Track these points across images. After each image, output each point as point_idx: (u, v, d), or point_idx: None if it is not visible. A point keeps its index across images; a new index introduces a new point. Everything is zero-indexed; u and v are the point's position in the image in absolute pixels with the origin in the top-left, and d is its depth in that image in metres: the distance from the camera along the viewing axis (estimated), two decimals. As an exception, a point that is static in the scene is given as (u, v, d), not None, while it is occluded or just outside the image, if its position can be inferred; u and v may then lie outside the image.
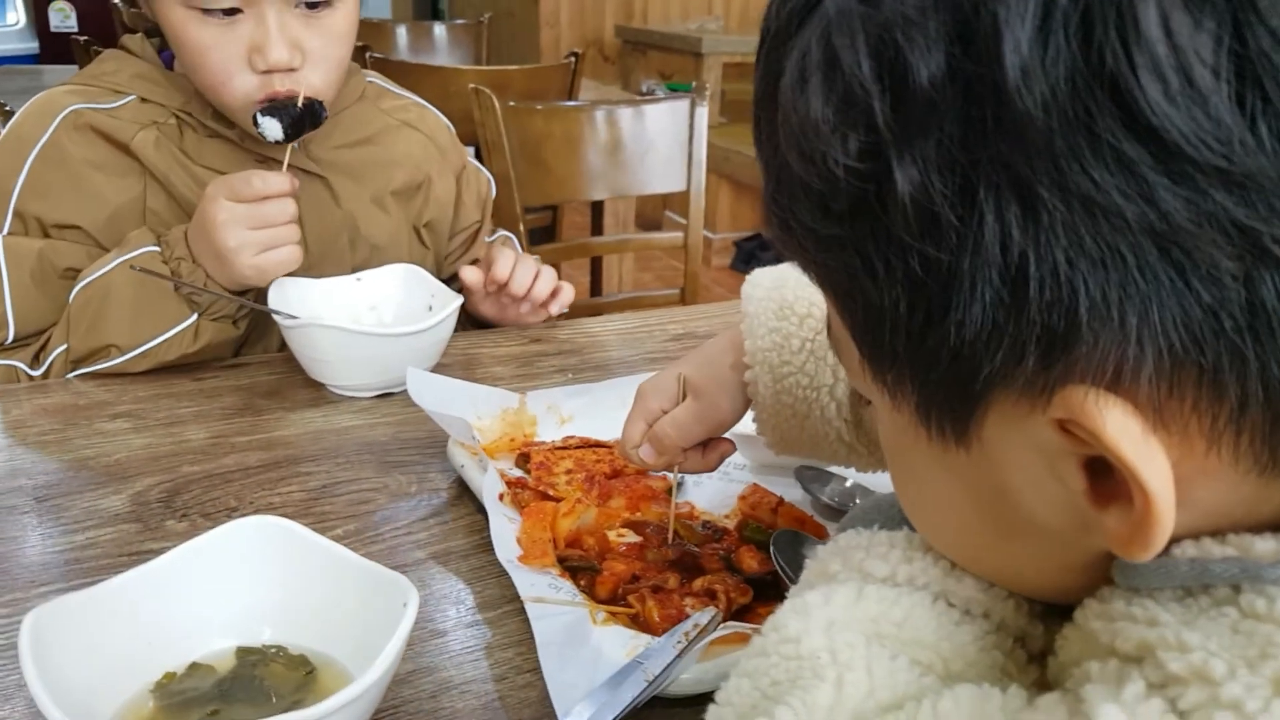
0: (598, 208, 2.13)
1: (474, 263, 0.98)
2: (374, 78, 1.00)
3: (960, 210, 0.25)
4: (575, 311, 1.75)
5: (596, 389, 0.78)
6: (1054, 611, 0.34)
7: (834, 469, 0.69)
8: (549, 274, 0.91)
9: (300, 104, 0.79)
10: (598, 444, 0.70)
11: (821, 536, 0.62)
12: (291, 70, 0.79)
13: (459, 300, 0.81)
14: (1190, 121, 0.22)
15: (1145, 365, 0.24)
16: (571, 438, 0.70)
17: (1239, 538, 0.27)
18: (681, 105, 1.61)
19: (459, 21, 2.96)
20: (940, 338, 0.26)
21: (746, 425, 0.71)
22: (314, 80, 0.81)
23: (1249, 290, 0.23)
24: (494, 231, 1.09)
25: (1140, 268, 0.23)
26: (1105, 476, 0.26)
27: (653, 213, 3.60)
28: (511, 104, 1.43)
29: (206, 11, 0.78)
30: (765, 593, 0.55)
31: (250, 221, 0.76)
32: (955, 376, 0.27)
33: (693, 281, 1.71)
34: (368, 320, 0.86)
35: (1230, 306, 0.23)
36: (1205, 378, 0.24)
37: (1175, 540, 0.27)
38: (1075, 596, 0.30)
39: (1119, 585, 0.28)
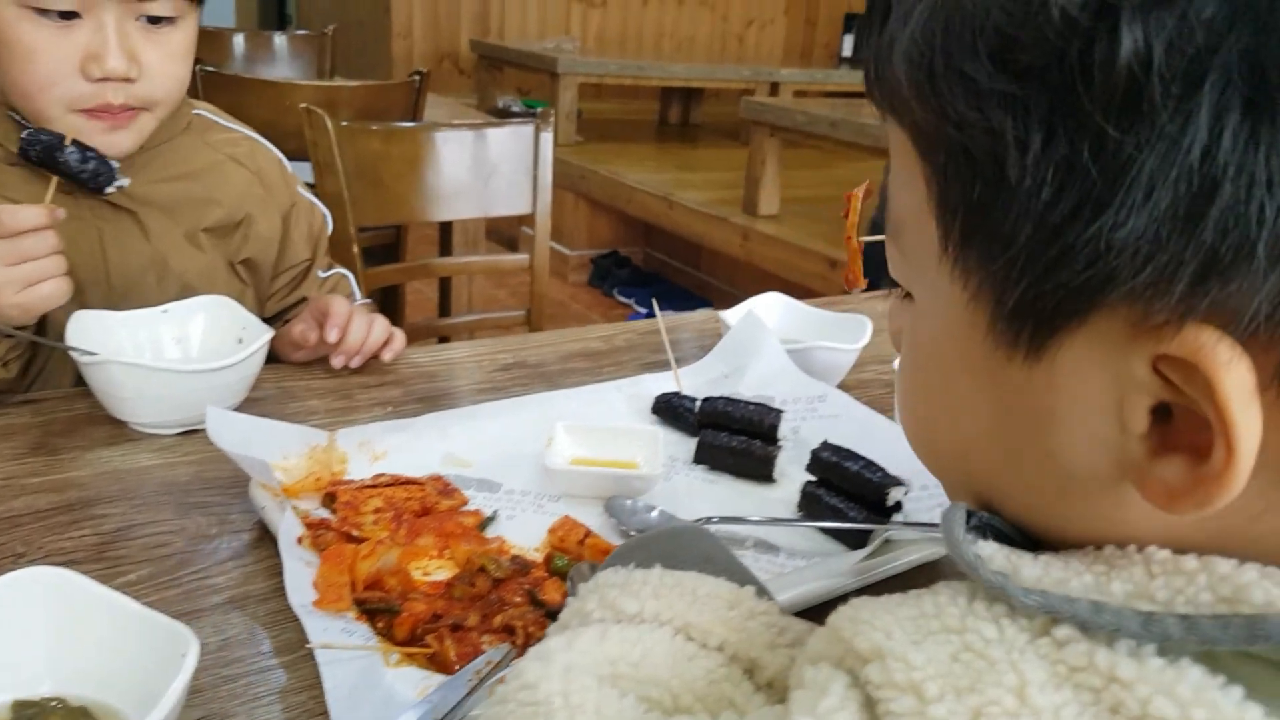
0: (446, 225, 2.11)
1: (301, 301, 0.96)
2: (203, 110, 0.98)
3: (1174, 98, 0.22)
4: (421, 333, 1.75)
5: (415, 423, 0.78)
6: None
7: (641, 501, 0.72)
8: (381, 326, 0.91)
9: (95, 156, 0.77)
10: (409, 481, 0.70)
11: (623, 567, 0.65)
12: (128, 81, 0.77)
13: (269, 333, 0.80)
14: None
15: None
16: (382, 475, 0.71)
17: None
18: (526, 129, 1.62)
19: (301, 32, 2.87)
20: (1083, 237, 0.24)
21: (555, 459, 0.74)
22: (147, 95, 0.79)
23: None
24: (330, 267, 1.07)
25: None
26: (1164, 425, 0.25)
27: (510, 228, 3.60)
28: (345, 124, 1.41)
29: (42, 12, 0.75)
30: (562, 626, 0.58)
31: (8, 258, 0.72)
32: (1077, 283, 0.24)
33: (539, 303, 1.72)
34: (173, 354, 0.83)
35: None
36: None
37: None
38: (1040, 530, 0.31)
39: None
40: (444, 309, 2.17)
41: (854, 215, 0.79)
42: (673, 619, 0.37)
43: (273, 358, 0.91)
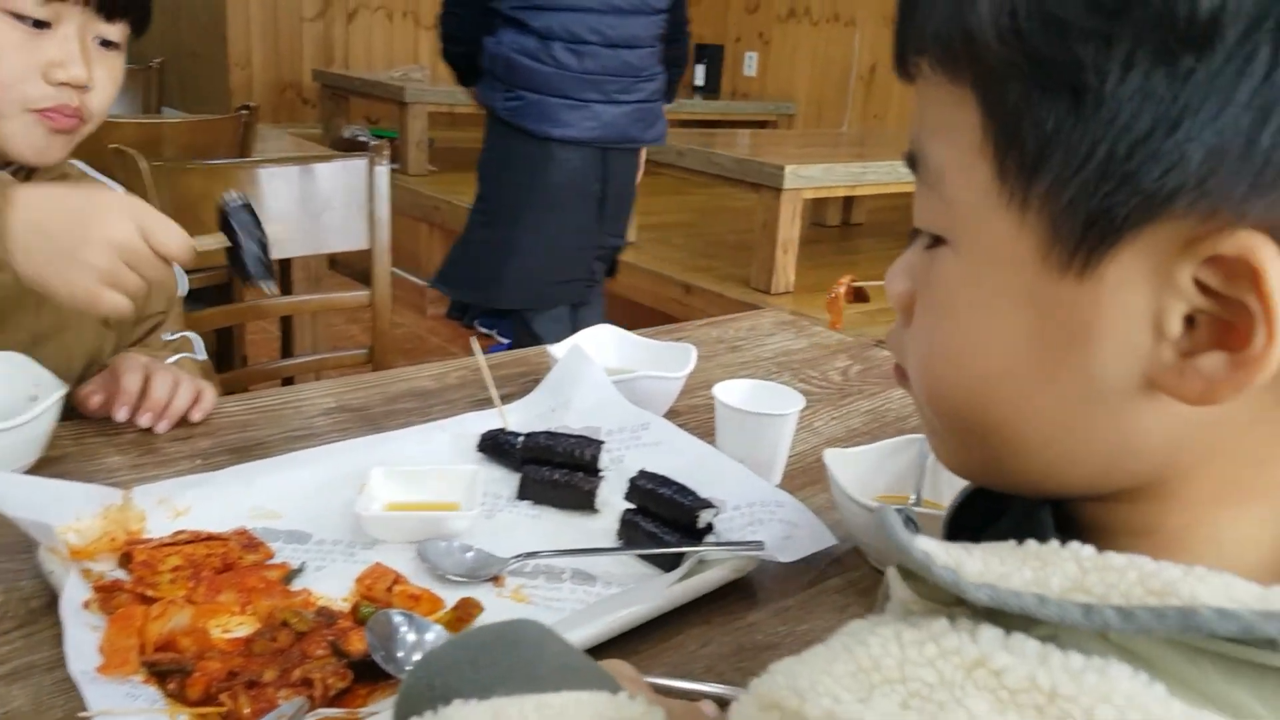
0: (285, 263, 2.05)
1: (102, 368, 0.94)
2: (77, 163, 0.98)
3: (1241, 35, 0.26)
4: (261, 377, 1.69)
5: (219, 476, 0.76)
6: None
7: (457, 542, 0.72)
8: (187, 388, 0.89)
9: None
10: (211, 536, 0.68)
11: (437, 610, 0.65)
12: (84, 89, 0.83)
13: (62, 389, 0.76)
14: None
15: None
16: (183, 532, 0.69)
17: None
18: (359, 163, 1.60)
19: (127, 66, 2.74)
20: (1161, 149, 0.27)
21: (367, 505, 0.73)
22: (94, 107, 0.86)
23: None
24: (176, 332, 1.07)
25: None
26: (1190, 331, 0.29)
27: (362, 261, 3.52)
28: (159, 164, 1.36)
29: (18, 16, 0.80)
30: (367, 674, 0.57)
31: (139, 260, 0.75)
32: (1151, 189, 0.28)
33: (382, 340, 1.70)
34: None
35: None
36: None
37: None
38: (1042, 469, 0.33)
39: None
40: (287, 349, 2.11)
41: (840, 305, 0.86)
42: None
43: (78, 414, 0.87)
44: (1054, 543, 0.30)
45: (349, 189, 1.59)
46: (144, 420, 0.86)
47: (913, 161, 0.35)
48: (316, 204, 1.56)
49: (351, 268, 3.54)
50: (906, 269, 0.38)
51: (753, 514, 0.78)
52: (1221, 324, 0.29)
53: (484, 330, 3.75)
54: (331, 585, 0.67)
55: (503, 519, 0.79)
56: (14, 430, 0.72)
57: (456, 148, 4.88)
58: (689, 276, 2.94)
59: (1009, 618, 0.28)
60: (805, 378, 1.19)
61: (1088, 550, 0.29)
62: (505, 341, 3.57)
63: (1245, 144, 0.27)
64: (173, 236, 0.77)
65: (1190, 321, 0.29)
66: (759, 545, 0.73)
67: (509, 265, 2.18)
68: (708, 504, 0.75)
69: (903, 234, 3.80)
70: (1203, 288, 0.29)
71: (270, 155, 2.10)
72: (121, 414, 0.85)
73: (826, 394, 1.14)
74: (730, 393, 0.90)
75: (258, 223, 0.85)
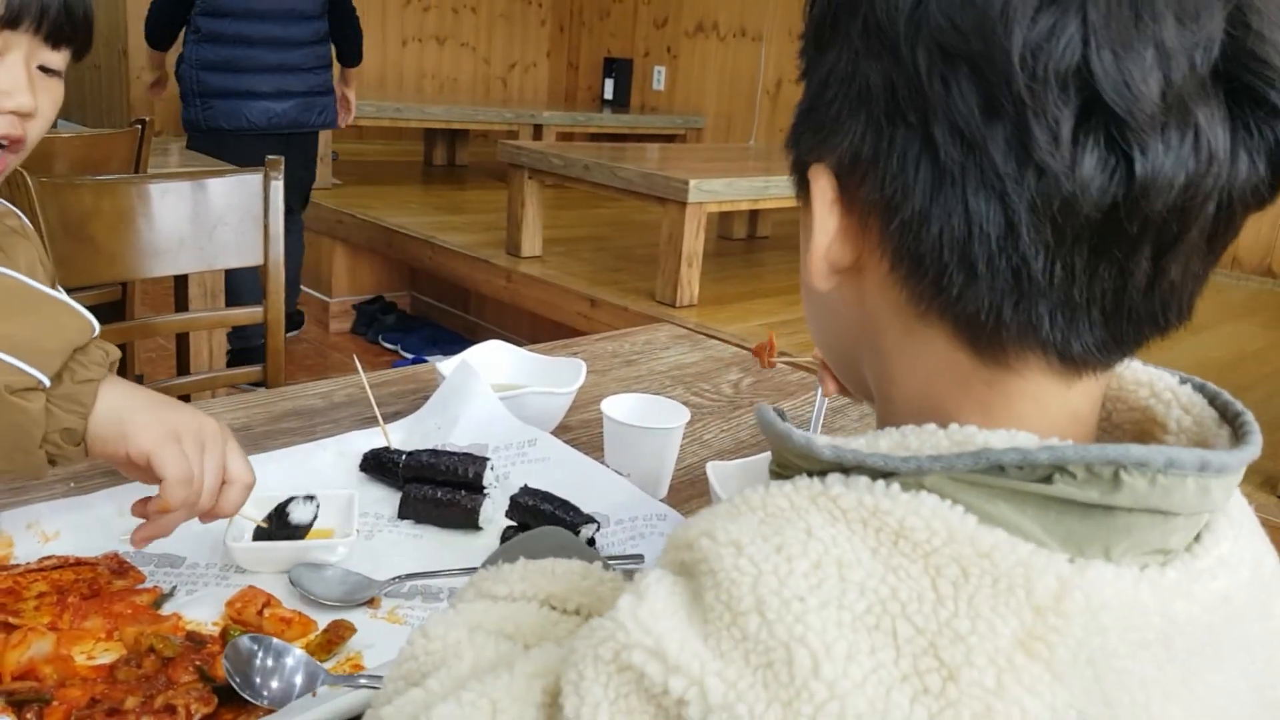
0: (182, 279, 2.00)
1: None
2: None
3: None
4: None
5: (92, 499, 0.75)
6: None
7: (330, 567, 0.72)
8: None
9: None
10: (80, 562, 0.68)
11: (308, 633, 0.66)
12: (29, 117, 0.81)
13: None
14: None
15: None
16: (50, 557, 0.68)
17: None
18: (253, 178, 1.58)
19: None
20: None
21: (238, 536, 0.73)
22: (33, 135, 0.83)
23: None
24: None
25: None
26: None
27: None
28: (46, 179, 1.32)
29: None
30: (234, 698, 0.58)
31: (186, 491, 0.67)
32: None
33: (275, 358, 1.67)
34: None
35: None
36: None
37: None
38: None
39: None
40: (183, 367, 2.05)
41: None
42: (536, 594, 0.47)
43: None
44: (907, 425, 0.37)
45: (243, 204, 1.56)
46: None
47: None
48: (209, 220, 1.53)
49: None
50: None
51: (635, 528, 0.81)
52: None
53: (388, 345, 3.71)
54: (202, 610, 0.67)
55: (382, 539, 0.80)
56: None
57: (361, 160, 4.82)
58: (595, 290, 2.97)
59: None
60: (697, 390, 1.23)
61: (919, 426, 0.36)
62: (409, 357, 3.54)
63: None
64: (248, 473, 0.71)
65: None
66: (639, 559, 0.75)
67: None
68: (590, 519, 0.77)
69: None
70: None
71: (164, 170, 2.05)
72: None
73: (717, 406, 1.18)
74: (617, 407, 0.93)
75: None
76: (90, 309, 1.07)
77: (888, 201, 0.36)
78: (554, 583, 0.47)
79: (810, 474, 0.36)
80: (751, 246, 3.93)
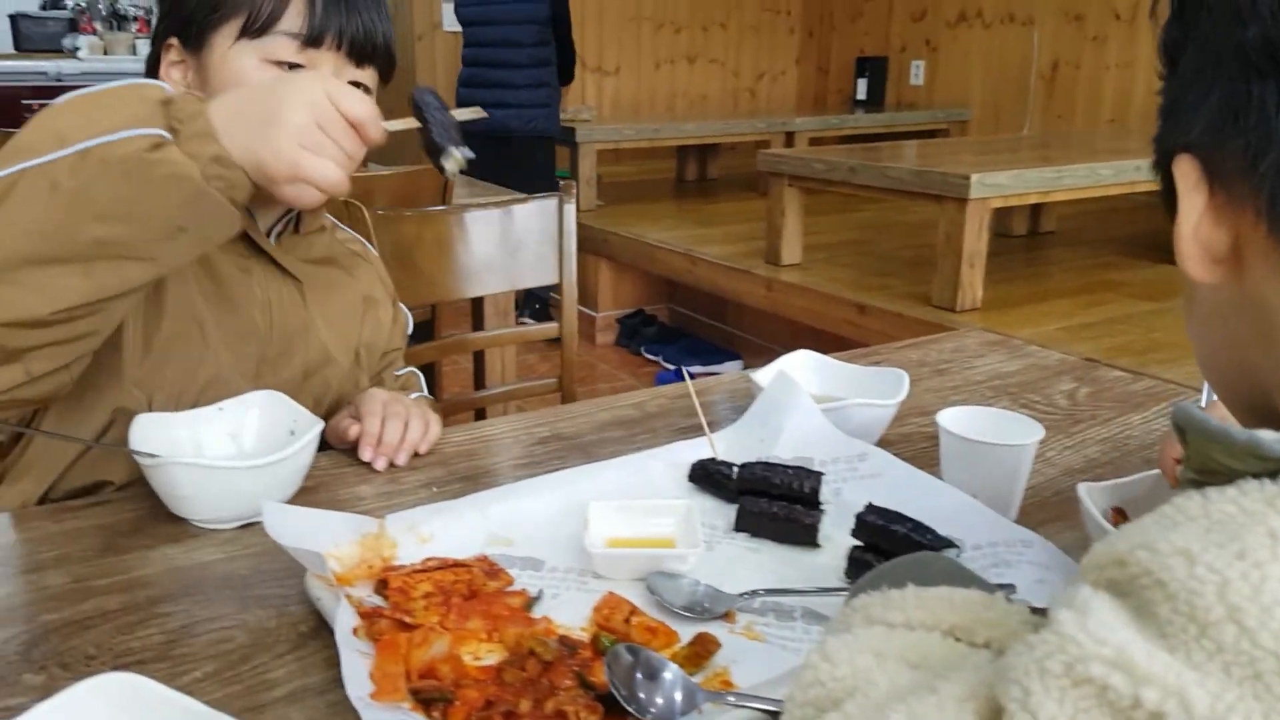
0: (477, 300, 2.16)
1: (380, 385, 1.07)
2: (328, 216, 1.10)
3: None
4: (458, 408, 1.77)
5: (458, 505, 0.80)
6: None
7: (685, 577, 0.72)
8: (417, 424, 0.95)
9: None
10: (457, 563, 0.72)
11: (672, 644, 0.65)
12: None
13: (319, 425, 0.82)
14: None
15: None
16: (431, 559, 0.72)
17: None
18: (550, 203, 1.66)
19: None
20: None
21: (593, 542, 0.75)
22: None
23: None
24: (403, 366, 1.18)
25: None
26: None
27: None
28: (381, 211, 1.46)
29: (280, 64, 0.88)
30: (615, 707, 0.58)
31: (329, 121, 0.74)
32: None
33: (570, 370, 1.75)
34: (228, 449, 0.86)
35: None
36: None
37: None
38: None
39: None
40: (479, 382, 2.21)
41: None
42: (937, 624, 0.43)
43: (325, 444, 0.94)
44: None
45: (541, 228, 1.65)
46: (379, 464, 0.92)
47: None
48: (512, 243, 1.63)
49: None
50: None
51: (996, 554, 0.74)
52: None
53: (649, 356, 3.81)
54: (569, 614, 0.68)
55: (722, 552, 0.79)
56: (279, 464, 0.78)
57: (619, 181, 5.00)
58: (863, 296, 2.87)
59: None
60: (1026, 402, 1.13)
61: None
62: (671, 368, 3.61)
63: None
64: (358, 101, 0.76)
65: None
66: (1010, 589, 0.69)
67: None
68: (949, 543, 0.72)
69: (1099, 241, 3.57)
70: None
71: (467, 200, 2.22)
72: (365, 454, 0.91)
73: (1054, 420, 1.07)
74: (956, 421, 0.86)
75: (442, 104, 0.87)
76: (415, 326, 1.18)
77: (1254, 156, 0.38)
78: (955, 613, 0.44)
79: (1255, 476, 0.33)
80: (1034, 243, 3.66)
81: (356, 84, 0.93)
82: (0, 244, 0.68)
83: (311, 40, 0.88)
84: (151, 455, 0.77)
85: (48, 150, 0.69)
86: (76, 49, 5.07)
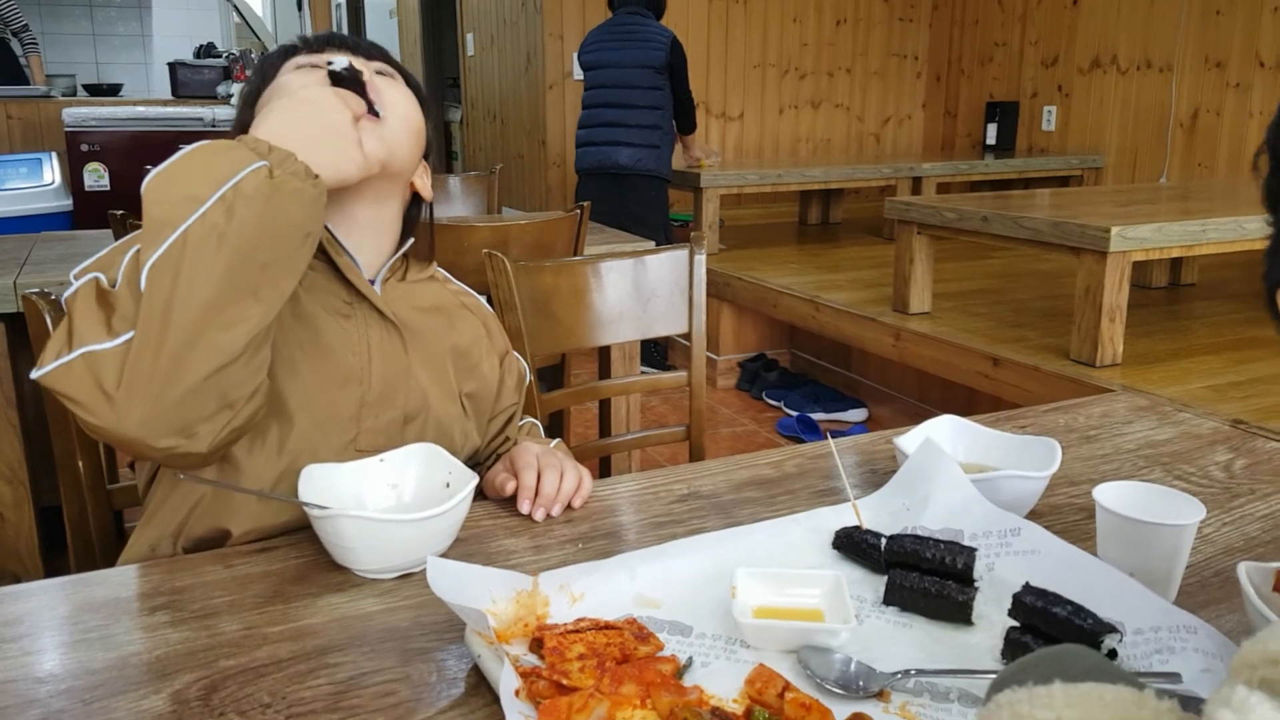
0: (605, 348, 2.20)
1: (505, 441, 1.10)
2: (440, 270, 1.15)
3: None
4: (585, 454, 1.80)
5: (607, 564, 0.82)
6: None
7: (837, 652, 0.72)
8: (571, 476, 0.98)
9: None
10: (608, 625, 0.73)
11: (825, 720, 0.65)
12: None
13: (475, 480, 0.86)
14: None
15: None
16: (583, 619, 0.74)
17: None
18: (681, 253, 1.69)
19: (473, 173, 3.13)
20: None
21: (741, 611, 0.75)
22: (393, 121, 0.98)
23: None
24: (523, 416, 1.19)
25: None
26: None
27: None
28: (521, 264, 1.51)
29: (314, 67, 0.97)
30: (771, 784, 0.58)
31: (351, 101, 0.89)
32: None
33: (698, 419, 1.76)
34: (388, 498, 0.90)
35: None
36: None
37: None
38: None
39: None
40: (604, 428, 2.24)
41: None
42: None
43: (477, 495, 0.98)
44: None
45: (673, 277, 1.67)
46: (538, 515, 0.95)
47: None
48: (644, 293, 1.66)
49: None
50: None
51: (1159, 640, 0.71)
52: None
53: (771, 401, 3.78)
54: (720, 684, 0.68)
55: (871, 625, 0.78)
56: (442, 516, 0.81)
57: (740, 225, 5.02)
58: (996, 348, 2.78)
59: None
60: (1179, 474, 1.07)
61: None
62: (792, 414, 3.58)
63: None
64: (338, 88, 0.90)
65: None
66: (1176, 678, 0.66)
67: None
68: (1111, 628, 0.69)
69: (1242, 295, 3.36)
70: None
71: (599, 247, 2.27)
72: (524, 507, 0.94)
73: (1210, 494, 1.02)
74: (1115, 497, 0.83)
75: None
76: (541, 372, 1.20)
77: None
78: (1107, 711, 0.44)
79: None
80: (1176, 296, 3.48)
81: (380, 72, 1.01)
82: (200, 296, 0.75)
83: (319, 46, 1.02)
84: (322, 507, 0.82)
85: (188, 212, 0.76)
86: (230, 95, 5.46)
